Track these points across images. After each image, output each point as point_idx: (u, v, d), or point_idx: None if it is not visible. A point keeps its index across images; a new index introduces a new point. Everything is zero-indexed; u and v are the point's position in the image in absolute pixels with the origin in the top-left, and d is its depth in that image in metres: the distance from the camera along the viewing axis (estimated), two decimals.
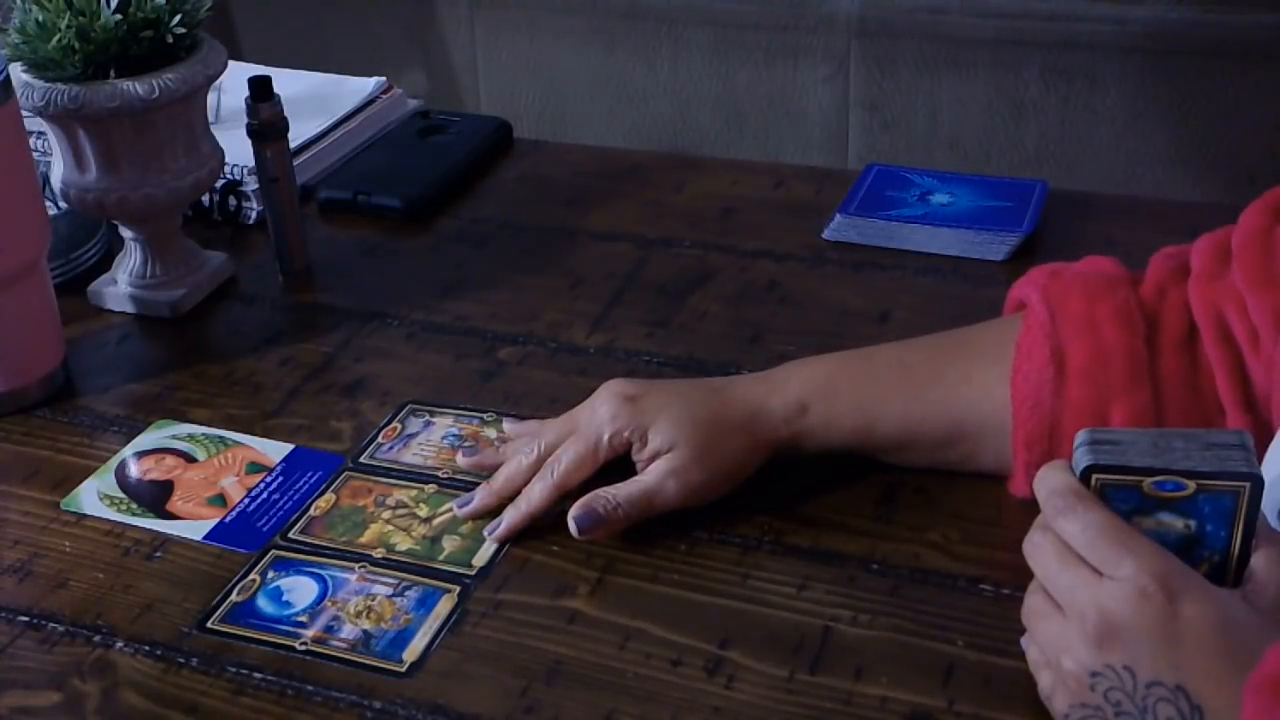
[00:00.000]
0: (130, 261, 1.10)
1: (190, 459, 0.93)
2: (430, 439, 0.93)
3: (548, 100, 2.08)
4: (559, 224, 1.20)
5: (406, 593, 0.81)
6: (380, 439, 0.94)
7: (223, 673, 0.76)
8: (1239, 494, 0.63)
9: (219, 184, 1.19)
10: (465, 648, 0.77)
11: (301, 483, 0.90)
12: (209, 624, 0.79)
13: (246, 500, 0.89)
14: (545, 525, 0.84)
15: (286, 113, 1.11)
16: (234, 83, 1.14)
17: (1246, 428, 0.76)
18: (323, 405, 0.98)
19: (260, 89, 1.09)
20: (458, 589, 0.81)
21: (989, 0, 1.78)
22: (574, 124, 2.06)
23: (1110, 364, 0.79)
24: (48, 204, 1.03)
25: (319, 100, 1.34)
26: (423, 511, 0.87)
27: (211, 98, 1.13)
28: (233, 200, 1.21)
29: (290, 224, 1.13)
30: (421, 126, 1.34)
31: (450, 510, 0.86)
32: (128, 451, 0.94)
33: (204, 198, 1.19)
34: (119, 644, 0.78)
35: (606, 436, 0.83)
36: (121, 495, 0.90)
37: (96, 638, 0.79)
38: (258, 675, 0.76)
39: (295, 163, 1.15)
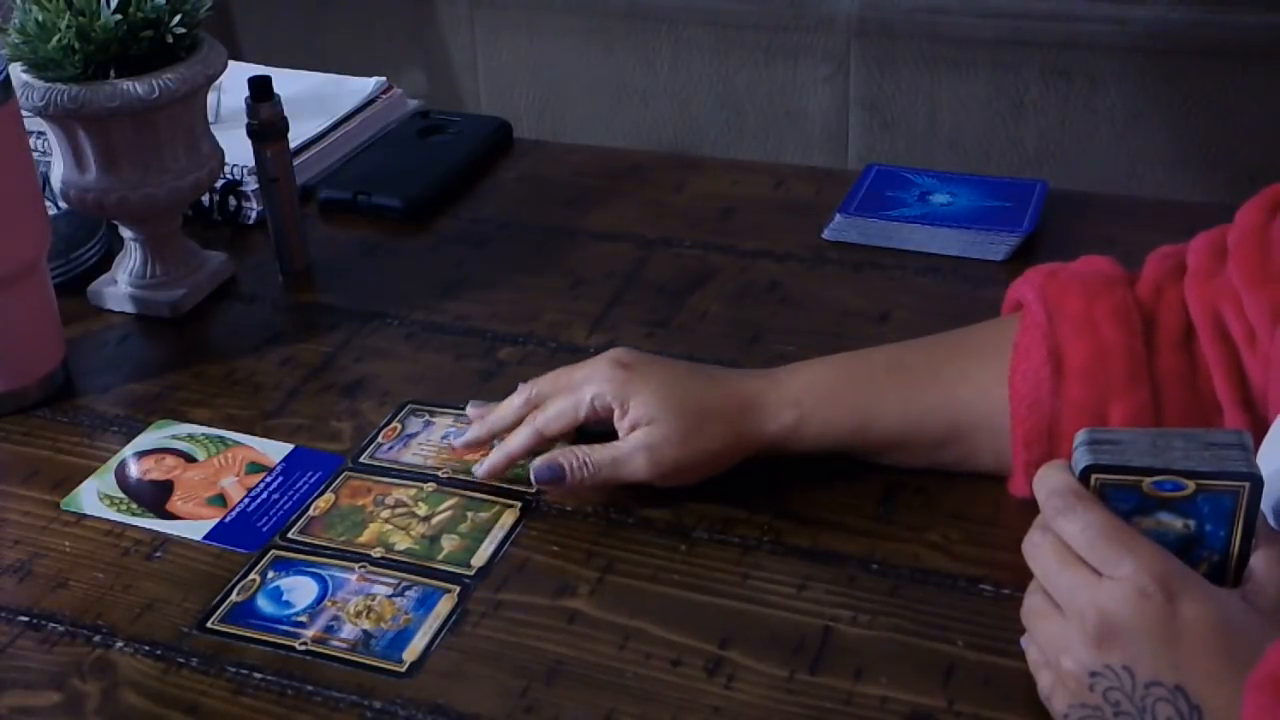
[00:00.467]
0: (130, 261, 1.10)
1: (190, 459, 0.93)
2: (430, 439, 0.93)
3: (548, 100, 2.08)
4: (559, 224, 1.20)
5: (406, 593, 0.81)
6: (380, 439, 0.94)
7: (223, 673, 0.76)
8: (1238, 494, 0.63)
9: (219, 184, 1.19)
10: (465, 648, 0.77)
11: (301, 483, 0.90)
12: (209, 624, 0.79)
13: (246, 500, 0.89)
14: (545, 525, 0.84)
15: (286, 113, 1.11)
16: (234, 83, 1.14)
17: (1244, 425, 0.76)
18: (322, 405, 0.98)
19: (260, 89, 1.09)
20: (457, 589, 0.81)
21: (989, 0, 1.78)
22: (574, 124, 2.06)
23: (1108, 363, 0.79)
24: (48, 204, 1.03)
25: (319, 100, 1.34)
26: (422, 511, 0.87)
27: (211, 98, 1.13)
28: (233, 200, 1.21)
29: (290, 224, 1.13)
30: (421, 126, 1.34)
31: (450, 510, 0.86)
32: (128, 451, 0.94)
33: (204, 198, 1.18)
34: (119, 644, 0.78)
35: (590, 396, 0.85)
36: (121, 495, 0.90)
37: (96, 638, 0.79)
38: (258, 675, 0.76)
39: (295, 163, 1.15)
